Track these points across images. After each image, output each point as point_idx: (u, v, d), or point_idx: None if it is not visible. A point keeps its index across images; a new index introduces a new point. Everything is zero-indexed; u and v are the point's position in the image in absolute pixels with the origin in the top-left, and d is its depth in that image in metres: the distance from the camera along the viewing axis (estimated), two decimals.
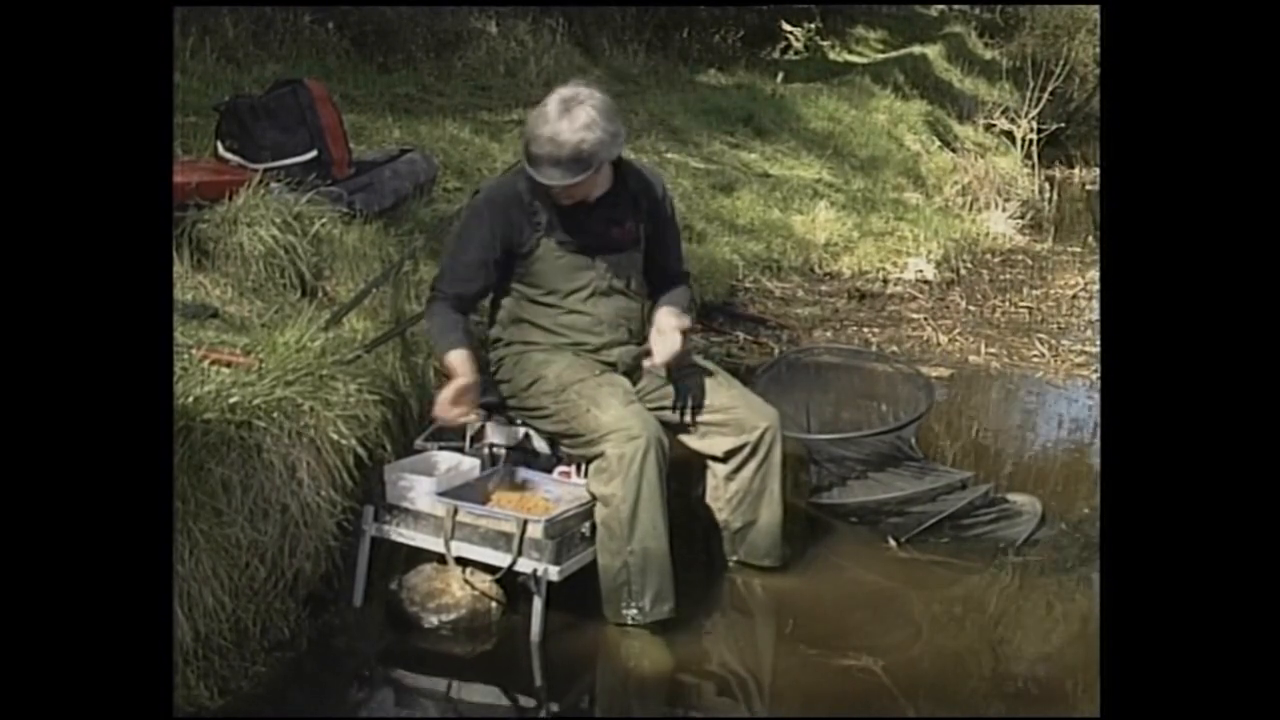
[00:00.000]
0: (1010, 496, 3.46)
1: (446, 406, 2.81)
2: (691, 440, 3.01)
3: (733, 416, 2.98)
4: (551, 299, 2.93)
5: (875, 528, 3.35)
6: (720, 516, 3.06)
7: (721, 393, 3.01)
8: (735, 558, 3.08)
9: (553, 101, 2.79)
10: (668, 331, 2.91)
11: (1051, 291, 6.46)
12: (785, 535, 3.08)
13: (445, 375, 2.89)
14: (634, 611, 2.73)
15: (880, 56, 13.58)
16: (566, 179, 2.78)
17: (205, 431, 2.40)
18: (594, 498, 2.76)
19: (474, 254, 2.93)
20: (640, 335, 2.99)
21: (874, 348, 5.05)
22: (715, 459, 3.01)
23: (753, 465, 2.98)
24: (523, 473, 2.99)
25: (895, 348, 5.15)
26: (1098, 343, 5.23)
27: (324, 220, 3.48)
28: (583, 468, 2.86)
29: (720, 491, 3.04)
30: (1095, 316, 5.89)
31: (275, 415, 2.58)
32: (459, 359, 2.83)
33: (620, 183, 2.97)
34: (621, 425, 2.72)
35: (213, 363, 2.63)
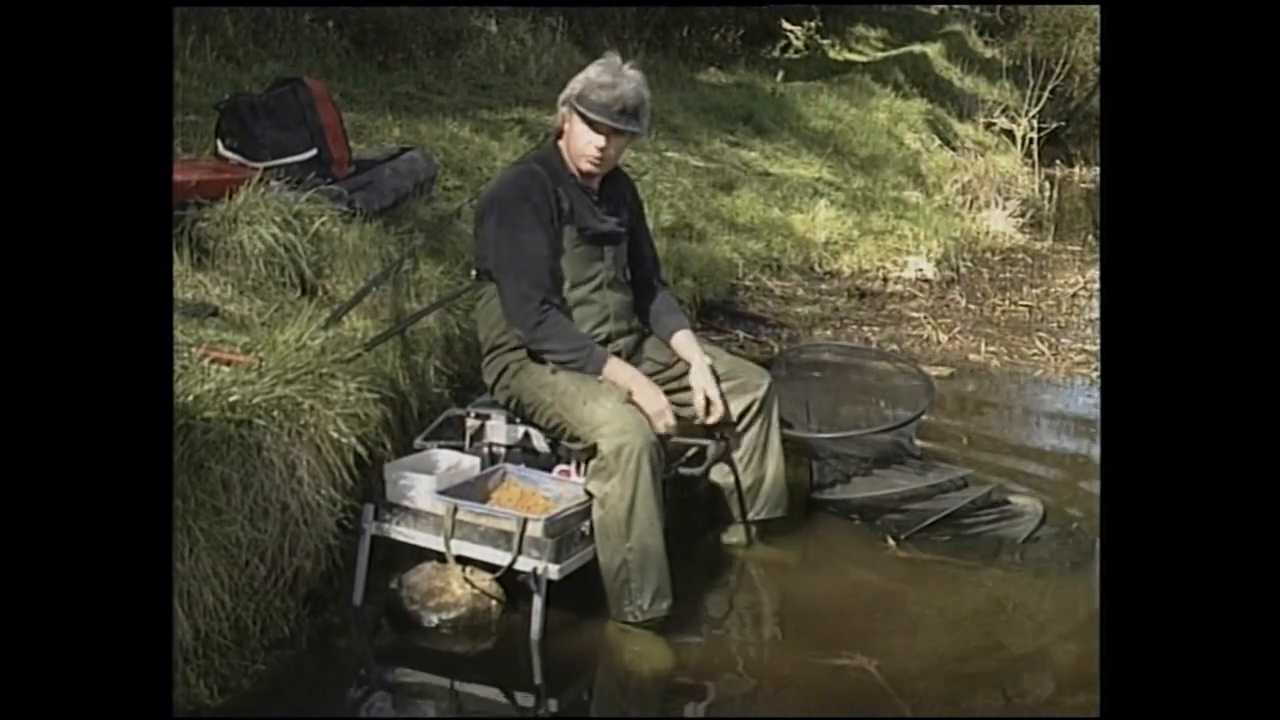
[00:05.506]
0: (1012, 498, 3.45)
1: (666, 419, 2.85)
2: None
3: (738, 380, 3.13)
4: (564, 289, 2.95)
5: (876, 525, 3.35)
6: (731, 478, 3.18)
7: (719, 362, 3.15)
8: (754, 515, 3.19)
9: (601, 65, 2.91)
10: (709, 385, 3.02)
11: (1051, 290, 6.46)
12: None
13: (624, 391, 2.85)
14: (634, 609, 2.73)
15: (880, 55, 13.58)
16: (635, 127, 2.91)
17: (205, 430, 2.40)
18: (591, 497, 2.76)
19: (540, 241, 2.87)
20: (634, 326, 3.10)
21: (874, 346, 5.05)
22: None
23: (760, 421, 3.13)
24: (522, 471, 2.99)
25: (895, 346, 5.15)
26: (1097, 341, 5.23)
27: (324, 219, 3.47)
28: (582, 466, 2.86)
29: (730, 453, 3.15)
30: (1095, 315, 5.89)
31: (275, 414, 2.57)
32: (623, 366, 2.89)
33: (609, 174, 3.06)
34: (616, 420, 2.74)
35: (213, 361, 2.63)
